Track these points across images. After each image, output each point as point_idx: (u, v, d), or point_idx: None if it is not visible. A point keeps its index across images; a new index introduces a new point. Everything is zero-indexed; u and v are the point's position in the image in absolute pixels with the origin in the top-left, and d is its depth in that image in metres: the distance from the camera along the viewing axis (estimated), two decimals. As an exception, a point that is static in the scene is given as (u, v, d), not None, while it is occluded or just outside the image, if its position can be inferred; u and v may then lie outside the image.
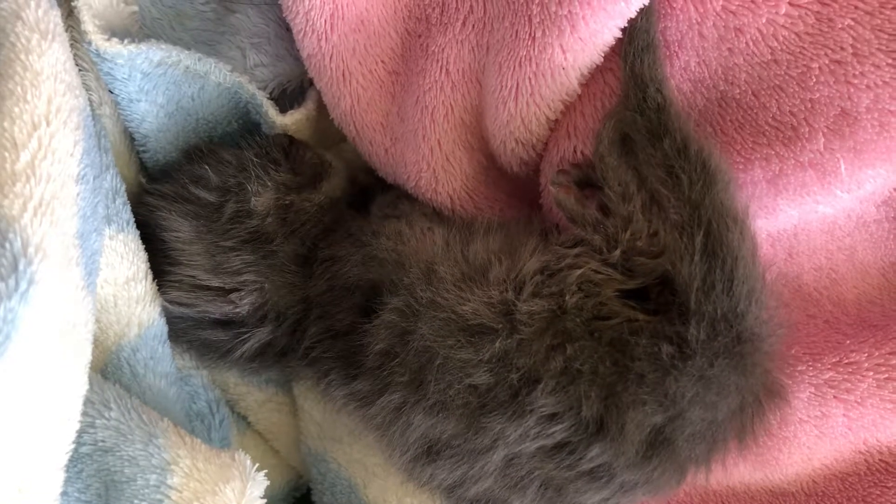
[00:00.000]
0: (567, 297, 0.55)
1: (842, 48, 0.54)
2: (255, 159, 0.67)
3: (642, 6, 0.55)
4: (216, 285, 0.66)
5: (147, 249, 0.65)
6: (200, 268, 0.66)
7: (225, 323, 0.67)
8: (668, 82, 0.57)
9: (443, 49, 0.66)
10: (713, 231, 0.52)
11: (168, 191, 0.67)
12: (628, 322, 0.55)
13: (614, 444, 0.53)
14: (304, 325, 0.67)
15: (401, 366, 0.58)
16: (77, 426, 0.53)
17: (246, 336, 0.67)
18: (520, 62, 0.58)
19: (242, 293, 0.66)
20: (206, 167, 0.67)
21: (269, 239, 0.66)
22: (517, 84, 0.59)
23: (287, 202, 0.68)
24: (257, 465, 0.59)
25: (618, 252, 0.56)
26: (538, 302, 0.56)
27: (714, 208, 0.52)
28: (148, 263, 0.65)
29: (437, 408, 0.57)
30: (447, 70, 0.65)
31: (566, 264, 0.57)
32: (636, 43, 0.56)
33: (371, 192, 0.75)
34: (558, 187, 0.61)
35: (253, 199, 0.66)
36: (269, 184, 0.67)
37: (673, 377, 0.52)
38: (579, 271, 0.56)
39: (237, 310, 0.66)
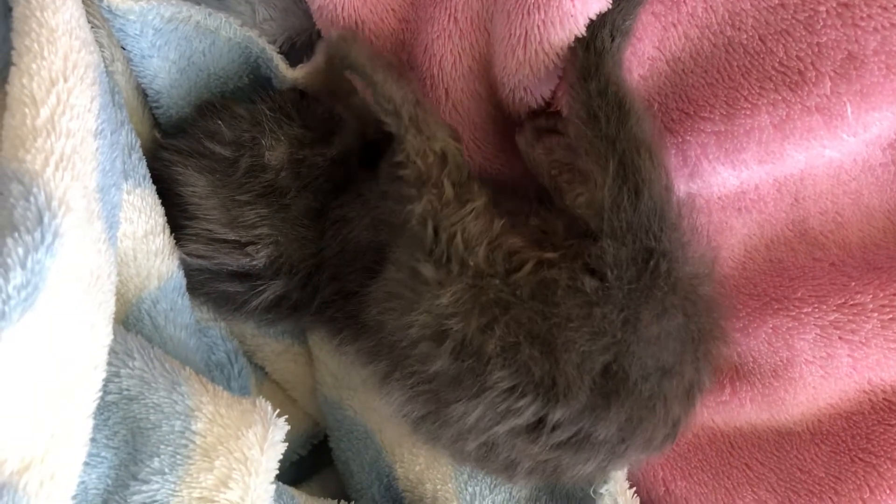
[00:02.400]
0: (473, 259, 0.57)
1: (849, -10, 0.54)
2: (268, 113, 0.68)
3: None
4: (232, 238, 0.67)
5: (164, 203, 0.66)
6: (217, 222, 0.67)
7: (242, 275, 0.68)
8: (625, 34, 0.58)
9: None
10: (626, 159, 0.55)
11: (183, 146, 0.68)
12: (540, 265, 0.57)
13: (569, 397, 0.54)
14: (317, 280, 0.68)
15: (386, 339, 0.59)
16: (103, 375, 0.55)
17: (261, 288, 0.68)
18: (528, 10, 0.58)
19: (258, 246, 0.67)
20: (220, 122, 0.68)
21: (283, 193, 0.67)
22: (526, 32, 0.59)
23: (300, 156, 0.68)
24: (277, 410, 0.61)
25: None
26: (455, 286, 0.56)
27: (627, 140, 0.56)
28: (165, 217, 0.66)
29: (407, 391, 0.58)
30: (455, 18, 0.65)
31: (459, 227, 0.58)
32: None
33: (381, 148, 0.75)
34: (519, 131, 0.63)
35: (267, 153, 0.67)
36: (283, 138, 0.68)
37: (598, 307, 0.54)
38: (472, 225, 0.58)
39: (253, 262, 0.67)
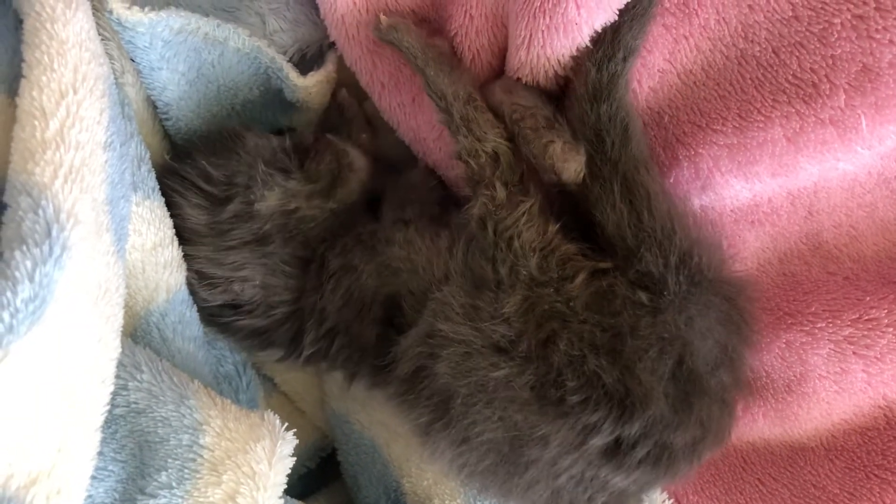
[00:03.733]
0: (527, 267, 0.58)
1: (864, 3, 0.54)
2: (262, 167, 0.67)
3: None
4: (219, 275, 0.67)
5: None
6: (205, 258, 0.67)
7: (224, 306, 0.69)
8: (636, 55, 0.60)
9: None
10: (628, 177, 0.59)
11: (186, 174, 0.67)
12: (594, 275, 0.58)
13: (646, 405, 0.54)
14: (298, 325, 0.68)
15: (428, 388, 0.59)
16: (111, 388, 0.55)
17: (240, 319, 0.68)
18: (534, 13, 0.58)
19: (245, 285, 0.67)
20: (217, 160, 0.67)
21: (268, 242, 0.67)
22: (530, 34, 0.59)
23: (292, 208, 0.67)
24: (286, 424, 0.60)
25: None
26: (514, 297, 0.57)
27: (628, 161, 0.59)
28: (173, 229, 0.66)
29: (463, 442, 0.58)
30: (470, 15, 0.64)
31: (514, 232, 0.59)
32: (636, 7, 0.58)
33: (384, 194, 0.74)
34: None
35: (256, 203, 0.66)
36: (276, 189, 0.67)
37: (662, 315, 0.55)
38: (527, 231, 0.59)
39: (236, 298, 0.67)
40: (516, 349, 0.56)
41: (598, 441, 0.55)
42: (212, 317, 0.70)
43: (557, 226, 0.60)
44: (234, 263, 0.66)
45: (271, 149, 0.69)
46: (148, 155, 0.65)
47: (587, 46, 0.59)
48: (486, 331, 0.57)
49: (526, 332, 0.56)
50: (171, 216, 0.66)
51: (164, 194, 0.67)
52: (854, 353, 0.65)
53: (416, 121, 0.71)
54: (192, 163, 0.68)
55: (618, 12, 0.58)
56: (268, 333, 0.69)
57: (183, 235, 0.67)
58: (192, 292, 0.68)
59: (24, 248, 0.44)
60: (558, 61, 0.61)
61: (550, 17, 0.57)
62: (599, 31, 0.58)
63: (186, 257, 0.67)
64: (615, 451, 0.56)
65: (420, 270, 0.62)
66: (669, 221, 0.58)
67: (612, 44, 0.59)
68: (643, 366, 0.55)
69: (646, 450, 0.56)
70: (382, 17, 0.65)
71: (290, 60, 0.73)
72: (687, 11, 0.60)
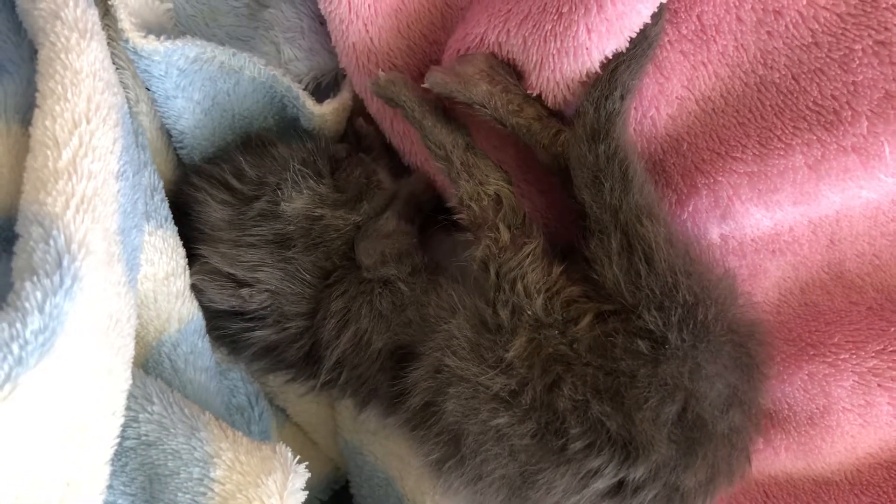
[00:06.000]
0: (532, 308, 0.57)
1: (886, 28, 0.53)
2: (296, 165, 0.67)
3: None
4: (231, 273, 0.66)
5: (180, 225, 0.66)
6: (220, 255, 0.66)
7: (234, 313, 0.68)
8: (633, 94, 0.60)
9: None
10: (629, 230, 0.57)
11: (214, 173, 0.67)
12: (598, 318, 0.57)
13: (650, 451, 0.54)
14: (317, 351, 0.67)
15: (437, 425, 0.59)
16: (121, 420, 0.54)
17: (252, 331, 0.67)
18: (545, 37, 0.58)
19: (253, 290, 0.66)
20: (251, 159, 0.68)
21: (289, 246, 0.66)
22: (541, 59, 0.59)
23: (318, 214, 0.67)
24: (297, 457, 0.59)
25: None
26: (517, 340, 0.57)
27: (629, 210, 0.57)
28: (186, 259, 0.66)
29: (476, 480, 0.58)
30: (481, 38, 0.64)
31: (518, 274, 0.58)
32: (635, 48, 0.58)
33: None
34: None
35: (283, 203, 0.66)
36: (305, 191, 0.67)
37: (664, 365, 0.54)
38: (532, 273, 0.58)
39: (245, 305, 0.67)
40: (517, 399, 0.56)
41: (601, 484, 0.55)
42: (219, 329, 0.69)
43: (561, 268, 0.59)
44: (251, 263, 0.65)
45: (307, 150, 0.69)
46: (161, 184, 0.65)
47: (597, 72, 0.59)
48: (486, 380, 0.56)
49: (531, 380, 0.56)
50: (192, 216, 0.66)
51: (188, 192, 0.67)
52: (879, 385, 0.64)
53: (424, 149, 0.71)
54: (227, 158, 0.68)
55: (629, 40, 0.57)
56: (279, 350, 0.68)
57: (201, 233, 0.66)
58: (200, 291, 0.67)
59: (35, 278, 0.44)
60: (568, 86, 0.60)
61: (561, 40, 0.57)
62: (610, 57, 0.58)
63: (200, 259, 0.66)
64: (619, 492, 0.56)
65: (431, 321, 0.61)
66: (672, 276, 0.56)
67: (609, 82, 0.58)
68: (643, 415, 0.54)
69: (654, 492, 0.55)
70: (381, 73, 0.65)
71: (305, 89, 0.73)
72: (705, 38, 0.59)
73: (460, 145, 0.62)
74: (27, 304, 0.43)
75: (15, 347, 0.42)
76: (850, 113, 0.55)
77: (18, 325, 0.43)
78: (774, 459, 0.71)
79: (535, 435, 0.55)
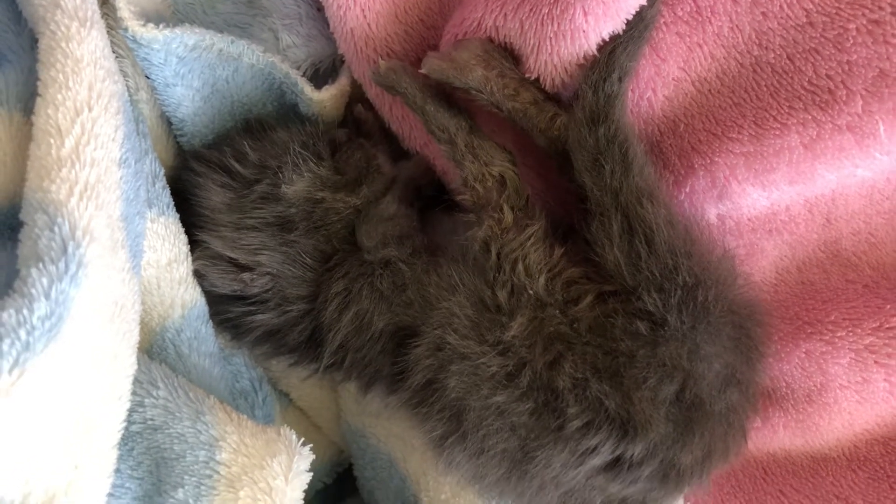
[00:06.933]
0: (534, 288, 0.58)
1: (880, 7, 0.53)
2: (297, 148, 0.67)
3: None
4: (232, 257, 0.66)
5: (182, 211, 0.66)
6: (221, 238, 0.66)
7: (236, 298, 0.68)
8: (630, 75, 0.60)
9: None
10: (630, 213, 0.57)
11: (213, 157, 0.68)
12: (599, 298, 0.58)
13: (648, 430, 0.55)
14: (319, 334, 0.67)
15: (439, 401, 0.59)
16: (127, 405, 0.55)
17: (253, 315, 0.68)
18: (542, 20, 0.58)
19: (254, 274, 0.66)
20: (252, 143, 0.68)
21: (291, 229, 0.66)
22: (538, 42, 0.59)
23: (318, 197, 0.67)
24: (302, 439, 0.60)
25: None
26: (518, 319, 0.57)
27: (629, 192, 0.57)
28: (188, 246, 0.66)
29: (478, 454, 0.58)
30: (479, 23, 0.64)
31: (520, 255, 0.59)
32: (632, 30, 0.58)
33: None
34: None
35: (284, 185, 0.66)
36: (305, 174, 0.67)
37: (662, 347, 0.55)
38: (534, 254, 0.59)
39: (246, 289, 0.67)
40: (516, 378, 0.56)
41: (598, 461, 0.56)
42: (221, 314, 0.69)
43: (562, 250, 0.60)
44: (252, 246, 0.66)
45: (307, 133, 0.70)
46: (162, 172, 0.65)
47: (594, 55, 0.59)
48: (487, 359, 0.57)
49: (531, 359, 0.56)
50: (193, 201, 0.67)
51: (188, 178, 0.67)
52: (875, 361, 0.64)
53: (423, 133, 0.71)
54: (227, 142, 0.69)
55: (625, 22, 0.58)
56: (281, 333, 0.68)
57: (202, 217, 0.67)
58: (202, 276, 0.67)
59: (41, 265, 0.44)
60: (565, 69, 0.61)
61: (558, 24, 0.57)
62: (607, 39, 0.58)
63: (202, 244, 0.66)
64: (616, 467, 0.57)
65: (432, 300, 0.62)
66: (672, 258, 0.56)
67: (606, 65, 0.58)
68: (641, 395, 0.55)
69: (651, 468, 0.56)
70: (381, 61, 0.65)
71: (303, 75, 0.73)
72: (700, 19, 0.59)
73: (464, 128, 0.62)
74: (33, 291, 0.44)
75: (22, 333, 0.43)
76: (844, 92, 0.55)
77: (25, 311, 0.43)
78: (773, 437, 0.72)
79: (533, 413, 0.56)
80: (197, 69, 0.67)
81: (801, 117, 0.57)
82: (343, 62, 0.75)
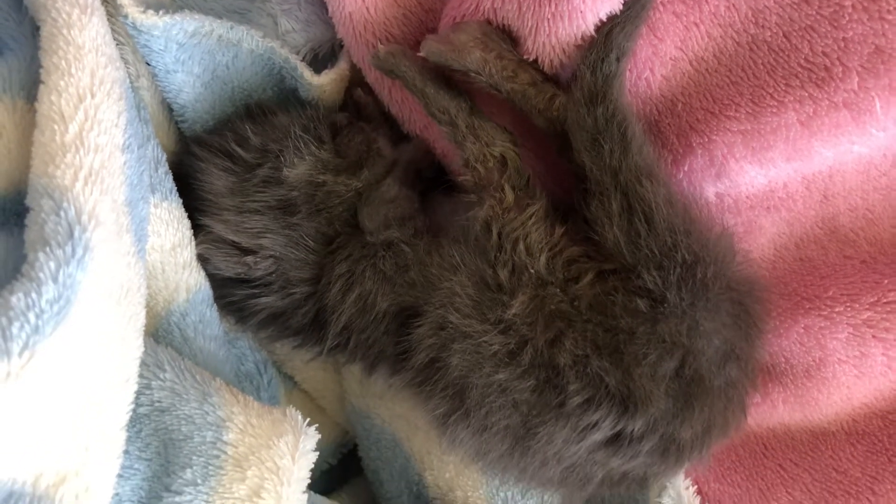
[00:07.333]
0: (535, 266, 0.58)
1: (875, -17, 0.54)
2: (297, 132, 0.68)
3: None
4: (235, 241, 0.67)
5: (184, 197, 0.67)
6: (224, 222, 0.67)
7: (238, 281, 0.69)
8: (628, 55, 0.60)
9: None
10: (629, 190, 0.58)
11: (214, 142, 0.68)
12: (599, 277, 0.58)
13: (648, 405, 0.56)
14: (323, 316, 0.68)
15: (442, 380, 0.60)
16: (135, 388, 0.56)
17: (257, 298, 0.68)
18: (539, 1, 0.58)
19: (257, 257, 0.67)
20: (254, 127, 0.68)
21: (293, 212, 0.67)
22: (536, 23, 0.59)
23: (320, 180, 0.68)
24: (308, 419, 0.61)
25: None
26: (519, 297, 0.58)
27: (628, 170, 0.58)
28: (192, 230, 0.67)
29: (481, 431, 0.59)
30: (477, 4, 0.64)
31: (521, 234, 0.59)
32: (629, 9, 0.58)
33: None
34: None
35: (285, 168, 0.67)
36: (307, 157, 0.67)
37: (662, 324, 0.56)
38: (535, 233, 0.59)
39: (250, 272, 0.68)
40: (518, 356, 0.57)
41: (599, 436, 0.57)
42: (225, 297, 0.70)
43: (563, 229, 0.60)
44: (255, 230, 0.66)
45: (307, 117, 0.70)
46: (164, 157, 0.66)
47: (592, 36, 0.60)
48: (489, 337, 0.58)
49: (532, 337, 0.57)
50: (195, 185, 0.67)
51: (190, 163, 0.68)
52: (873, 336, 0.65)
53: (423, 116, 0.71)
54: (229, 127, 0.69)
55: (623, 3, 0.58)
56: (285, 316, 0.69)
57: (205, 202, 0.67)
58: (206, 260, 0.68)
59: (48, 249, 0.45)
60: (563, 50, 0.61)
61: (556, 5, 0.58)
62: (605, 20, 0.59)
63: (205, 228, 0.67)
64: (617, 442, 0.58)
65: (434, 280, 0.62)
66: (672, 236, 0.57)
67: (604, 45, 0.59)
68: (641, 371, 0.55)
69: (651, 443, 0.57)
70: (380, 46, 0.66)
71: (302, 60, 0.73)
72: (697, -1, 0.60)
73: (464, 109, 0.63)
74: (41, 274, 0.44)
75: (31, 316, 0.43)
76: (840, 69, 0.56)
77: (34, 295, 0.44)
78: (772, 412, 0.73)
79: (534, 390, 0.57)
80: (197, 55, 0.68)
81: (798, 95, 0.58)
82: (342, 46, 0.75)
